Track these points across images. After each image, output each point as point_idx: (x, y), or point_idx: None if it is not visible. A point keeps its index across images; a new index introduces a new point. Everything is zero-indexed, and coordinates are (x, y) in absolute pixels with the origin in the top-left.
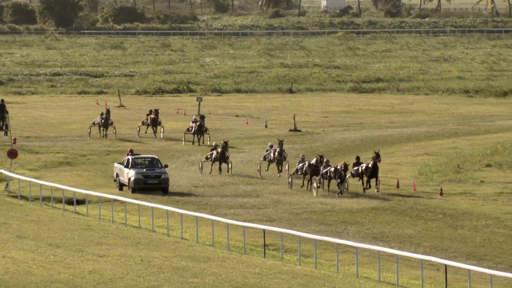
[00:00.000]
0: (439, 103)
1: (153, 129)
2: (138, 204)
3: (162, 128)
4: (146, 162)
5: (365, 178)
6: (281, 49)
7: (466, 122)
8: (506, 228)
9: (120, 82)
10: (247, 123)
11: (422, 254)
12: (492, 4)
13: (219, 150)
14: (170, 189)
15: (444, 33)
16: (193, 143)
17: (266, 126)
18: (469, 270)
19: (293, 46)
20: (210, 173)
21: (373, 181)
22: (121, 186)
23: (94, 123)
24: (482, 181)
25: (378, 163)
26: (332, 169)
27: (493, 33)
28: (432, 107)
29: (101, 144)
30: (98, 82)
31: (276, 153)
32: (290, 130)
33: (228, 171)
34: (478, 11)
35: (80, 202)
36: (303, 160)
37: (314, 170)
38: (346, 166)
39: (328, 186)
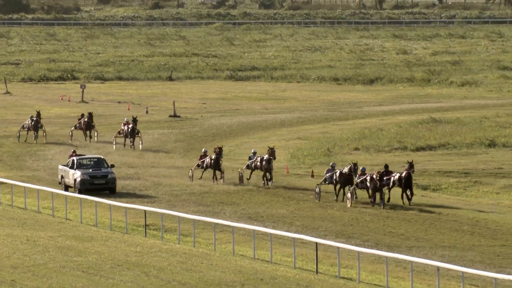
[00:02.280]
0: (310, 90)
1: (85, 133)
2: (24, 187)
3: (96, 132)
4: (92, 162)
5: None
6: (161, 39)
7: (336, 108)
8: (372, 208)
9: (6, 69)
10: (128, 109)
11: (295, 232)
12: None
13: (213, 157)
14: (56, 172)
15: (315, 24)
16: (124, 146)
17: (147, 112)
18: (338, 247)
19: (172, 36)
20: (200, 178)
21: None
22: (66, 188)
23: (23, 127)
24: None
25: (412, 173)
26: (368, 177)
27: (360, 25)
28: (304, 94)
29: None
30: None
31: (264, 162)
32: (170, 116)
33: (221, 179)
34: (346, 3)
35: None
36: (333, 169)
37: (346, 179)
38: (382, 175)
39: (371, 196)
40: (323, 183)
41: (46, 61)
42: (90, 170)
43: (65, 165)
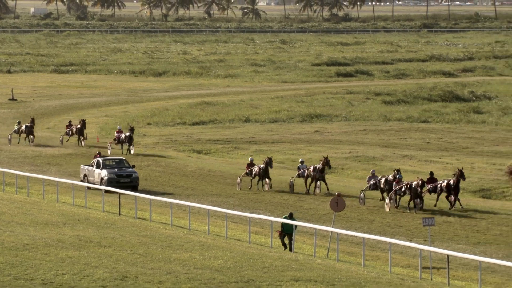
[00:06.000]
0: (115, 81)
1: (79, 138)
2: None
3: (83, 138)
4: (114, 163)
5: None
6: (1, 42)
7: (133, 94)
8: (160, 167)
9: None
10: None
11: (104, 186)
12: (150, 12)
13: (262, 166)
14: None
15: (118, 32)
16: (127, 153)
17: None
18: (135, 196)
19: (10, 40)
20: (250, 189)
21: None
22: None
23: (15, 131)
24: (145, 135)
25: (463, 180)
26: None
27: (151, 33)
28: (110, 83)
29: None
30: None
31: (317, 171)
32: (9, 99)
33: (269, 187)
34: (140, 17)
35: None
36: (373, 176)
37: (391, 186)
38: (423, 183)
39: (414, 202)
40: (367, 189)
41: None
42: (116, 169)
43: (88, 165)
